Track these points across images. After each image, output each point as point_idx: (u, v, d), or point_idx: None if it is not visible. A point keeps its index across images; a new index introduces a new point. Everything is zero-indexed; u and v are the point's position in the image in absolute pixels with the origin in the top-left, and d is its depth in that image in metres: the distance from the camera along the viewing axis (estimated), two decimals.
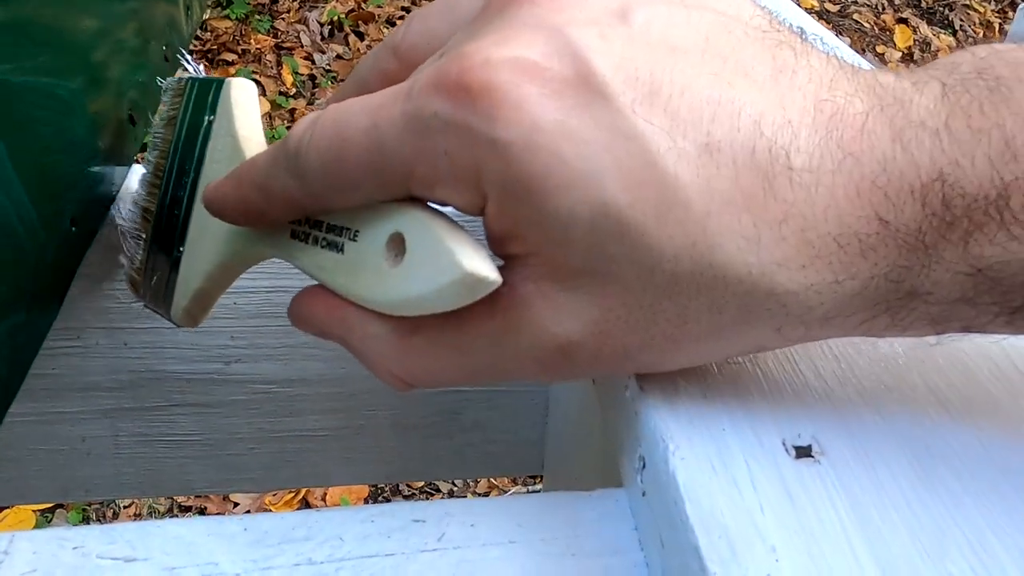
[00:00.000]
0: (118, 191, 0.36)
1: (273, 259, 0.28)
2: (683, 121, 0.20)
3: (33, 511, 1.34)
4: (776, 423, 0.24)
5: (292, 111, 2.12)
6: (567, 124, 0.20)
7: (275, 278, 0.40)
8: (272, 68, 2.23)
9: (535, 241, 0.21)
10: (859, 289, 0.21)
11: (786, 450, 0.23)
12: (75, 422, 0.43)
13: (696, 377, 0.25)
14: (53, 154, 0.29)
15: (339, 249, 0.25)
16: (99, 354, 0.41)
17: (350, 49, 2.34)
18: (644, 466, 0.24)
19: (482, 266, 0.21)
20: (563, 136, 0.20)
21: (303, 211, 0.25)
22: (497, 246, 0.22)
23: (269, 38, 2.31)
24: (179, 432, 0.44)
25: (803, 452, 0.23)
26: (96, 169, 0.33)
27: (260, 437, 0.45)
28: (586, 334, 0.22)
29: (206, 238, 0.29)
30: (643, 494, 0.24)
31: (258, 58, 2.24)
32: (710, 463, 0.22)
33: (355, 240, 0.24)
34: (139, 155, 0.34)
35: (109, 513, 1.39)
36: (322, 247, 0.25)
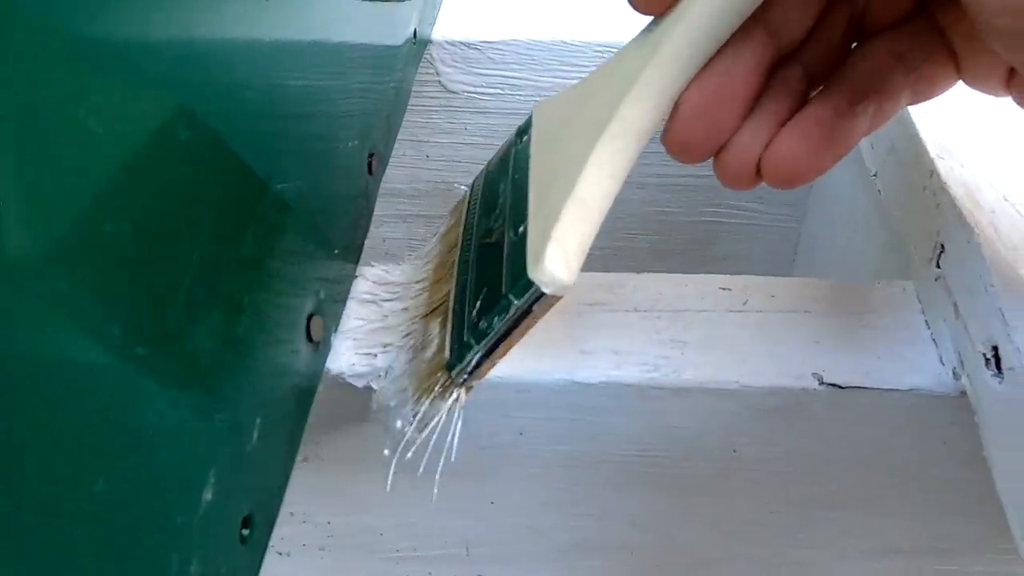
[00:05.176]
0: None
1: None
2: None
3: None
4: None
5: None
6: None
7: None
8: None
9: None
10: None
11: None
12: (378, 224, 0.50)
13: (1000, 179, 0.27)
14: None
15: None
16: (404, 164, 0.47)
17: None
18: (942, 251, 0.27)
19: None
20: None
21: None
22: None
23: None
24: None
25: None
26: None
27: None
28: None
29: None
30: (936, 279, 0.27)
31: None
32: (1013, 245, 0.25)
33: None
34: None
35: None
36: None
